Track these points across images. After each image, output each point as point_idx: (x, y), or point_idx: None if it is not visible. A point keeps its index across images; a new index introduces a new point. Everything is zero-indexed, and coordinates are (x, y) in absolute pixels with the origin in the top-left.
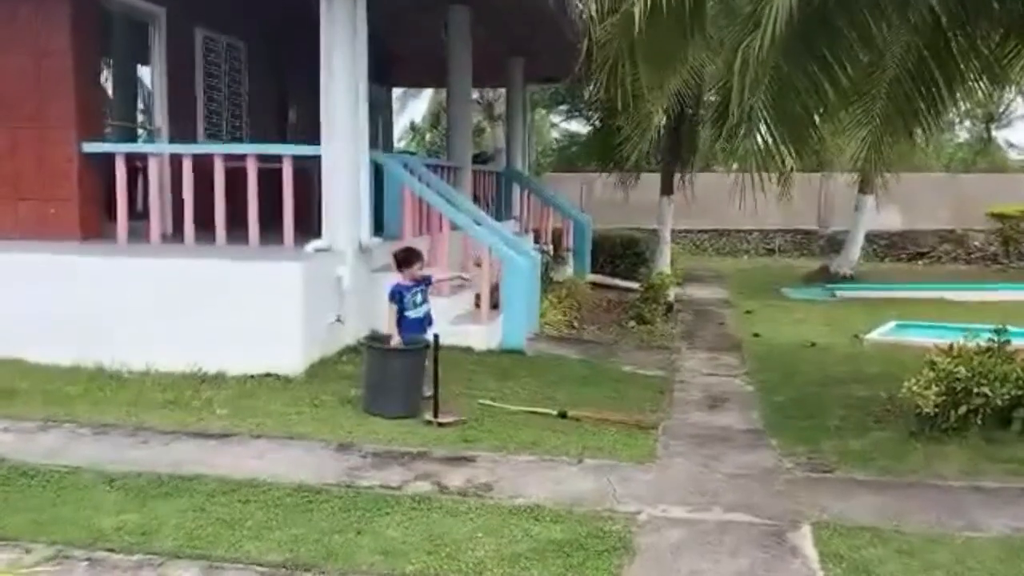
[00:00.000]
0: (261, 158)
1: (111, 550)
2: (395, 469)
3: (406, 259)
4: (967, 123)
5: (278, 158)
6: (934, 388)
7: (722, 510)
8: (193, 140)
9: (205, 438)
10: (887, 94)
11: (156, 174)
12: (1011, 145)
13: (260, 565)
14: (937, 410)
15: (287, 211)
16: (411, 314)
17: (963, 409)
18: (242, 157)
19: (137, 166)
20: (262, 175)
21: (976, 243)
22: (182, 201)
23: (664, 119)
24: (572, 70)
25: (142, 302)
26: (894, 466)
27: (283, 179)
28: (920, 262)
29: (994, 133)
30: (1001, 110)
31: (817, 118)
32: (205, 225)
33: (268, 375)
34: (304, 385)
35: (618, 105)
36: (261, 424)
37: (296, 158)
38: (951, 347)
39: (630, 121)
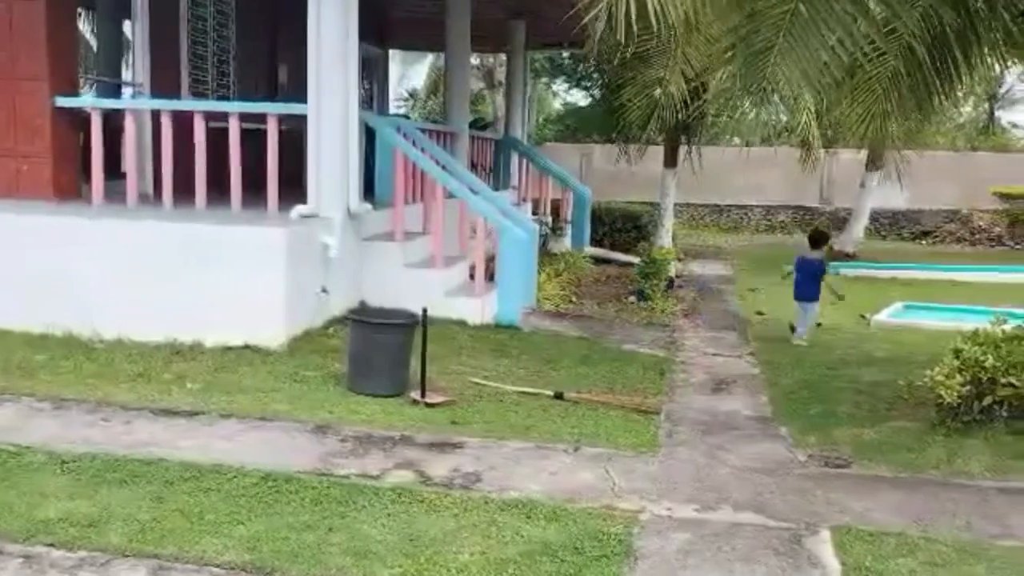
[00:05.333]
0: (246, 117)
1: (51, 545)
2: (375, 456)
3: (824, 237)
4: (970, 103)
5: (264, 119)
6: (958, 377)
7: (732, 509)
8: (177, 98)
9: (172, 416)
10: (902, 54)
11: (134, 132)
12: (1015, 126)
13: (216, 567)
14: (960, 400)
15: (271, 174)
16: None
17: (988, 400)
18: (225, 116)
19: (115, 123)
20: (249, 137)
21: (981, 223)
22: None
23: (675, 89)
24: (575, 32)
25: (115, 267)
26: (914, 461)
27: (267, 140)
28: (924, 241)
29: (996, 113)
30: (1003, 91)
31: (841, 62)
32: (187, 187)
33: (247, 347)
34: (285, 359)
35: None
36: (234, 401)
37: (284, 119)
38: (976, 333)
39: (636, 87)
